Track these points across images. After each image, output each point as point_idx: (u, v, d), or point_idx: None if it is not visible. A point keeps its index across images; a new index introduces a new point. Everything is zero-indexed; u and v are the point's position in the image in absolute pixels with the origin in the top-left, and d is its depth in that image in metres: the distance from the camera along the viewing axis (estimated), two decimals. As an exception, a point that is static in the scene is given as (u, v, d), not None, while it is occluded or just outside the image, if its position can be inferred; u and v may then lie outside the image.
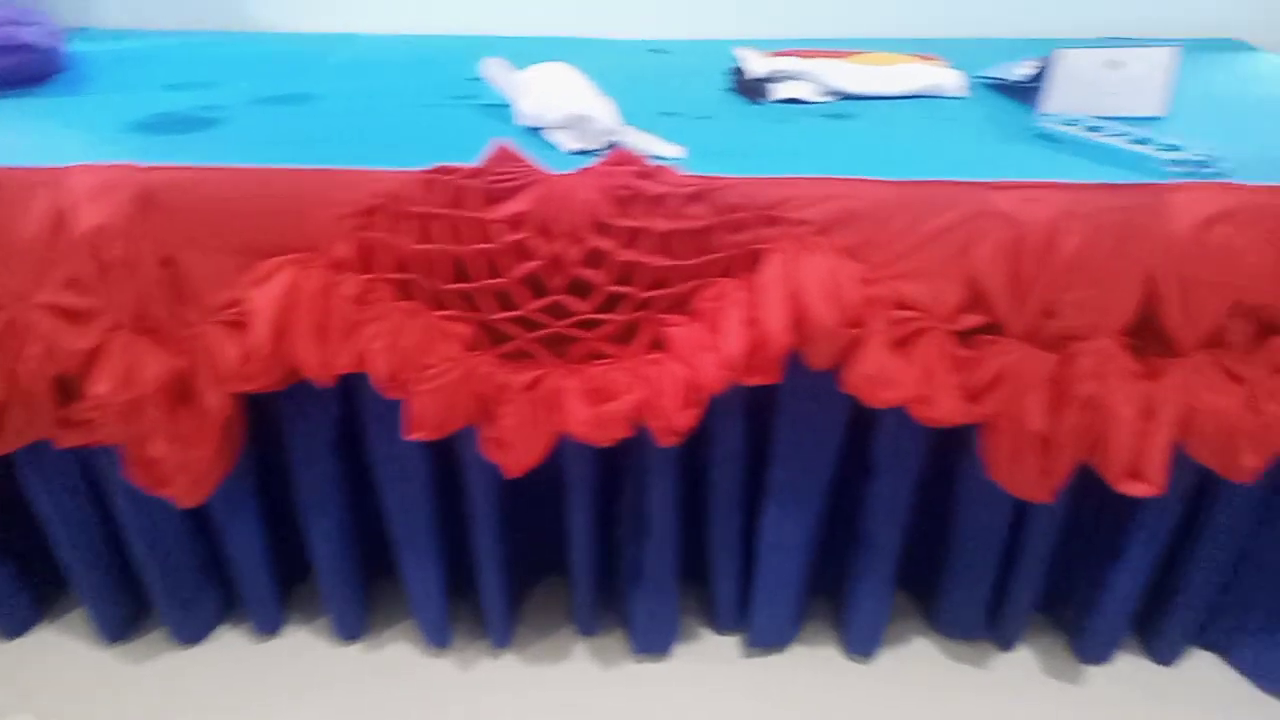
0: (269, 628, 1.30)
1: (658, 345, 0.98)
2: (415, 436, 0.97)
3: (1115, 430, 0.97)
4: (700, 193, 0.93)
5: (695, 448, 1.11)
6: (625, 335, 0.98)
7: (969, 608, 1.25)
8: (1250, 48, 1.43)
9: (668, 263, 0.94)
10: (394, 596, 1.30)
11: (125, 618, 1.28)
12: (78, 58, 1.34)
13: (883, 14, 1.51)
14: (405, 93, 1.21)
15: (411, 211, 0.93)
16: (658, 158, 0.97)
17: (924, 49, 1.36)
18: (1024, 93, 1.15)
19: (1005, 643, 1.29)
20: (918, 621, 1.33)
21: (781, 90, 1.18)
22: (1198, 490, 1.11)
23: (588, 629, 1.30)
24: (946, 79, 1.20)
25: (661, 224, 0.93)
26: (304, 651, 1.29)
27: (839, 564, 1.24)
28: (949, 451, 1.12)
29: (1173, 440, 0.98)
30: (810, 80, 1.18)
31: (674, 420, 0.95)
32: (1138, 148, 0.99)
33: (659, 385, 0.95)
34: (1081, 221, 0.94)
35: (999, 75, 1.20)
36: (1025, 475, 1.01)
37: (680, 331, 0.96)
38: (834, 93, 1.18)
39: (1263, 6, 1.48)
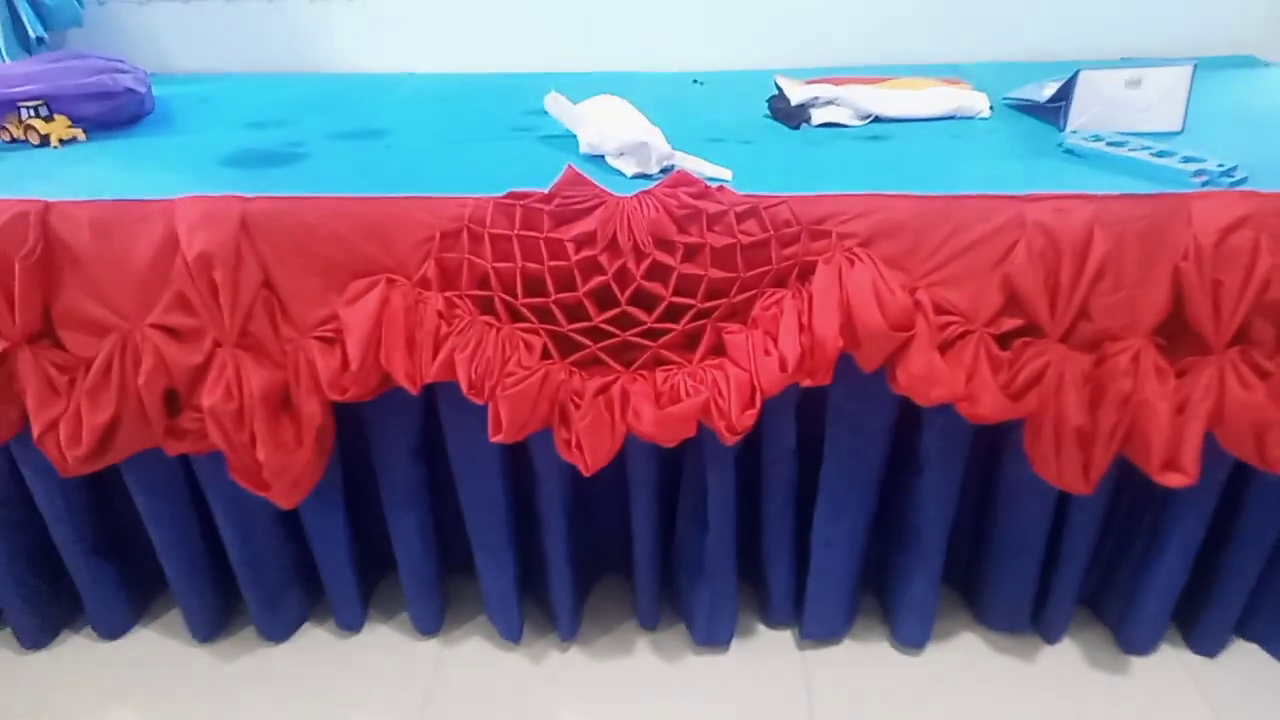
0: (352, 624, 1.38)
1: (717, 351, 1.06)
2: (497, 439, 1.05)
3: (1151, 424, 1.03)
4: (753, 210, 1.01)
5: (751, 448, 1.19)
6: (687, 343, 1.06)
7: (1014, 601, 1.31)
8: (1264, 64, 1.49)
9: (724, 275, 1.03)
10: (468, 593, 1.38)
11: (217, 618, 1.37)
12: (161, 101, 1.45)
13: (909, 41, 1.59)
14: (469, 126, 1.31)
15: (489, 234, 1.02)
16: (709, 179, 1.05)
17: (947, 74, 1.44)
18: (1046, 112, 1.22)
19: (1050, 635, 1.34)
20: (965, 615, 1.38)
21: (820, 115, 1.26)
22: (1230, 484, 1.17)
23: (650, 623, 1.36)
24: (973, 101, 1.28)
25: (718, 239, 1.01)
26: (385, 646, 1.36)
27: (888, 559, 1.31)
28: (990, 450, 1.19)
29: (1204, 433, 1.04)
30: (845, 105, 1.26)
31: (735, 420, 1.02)
32: (1161, 160, 1.06)
33: (721, 387, 1.03)
34: (1110, 230, 1.01)
35: (1025, 96, 1.28)
36: (1067, 468, 1.07)
37: (738, 338, 1.03)
38: (868, 116, 1.26)
39: (1277, 24, 1.55)
